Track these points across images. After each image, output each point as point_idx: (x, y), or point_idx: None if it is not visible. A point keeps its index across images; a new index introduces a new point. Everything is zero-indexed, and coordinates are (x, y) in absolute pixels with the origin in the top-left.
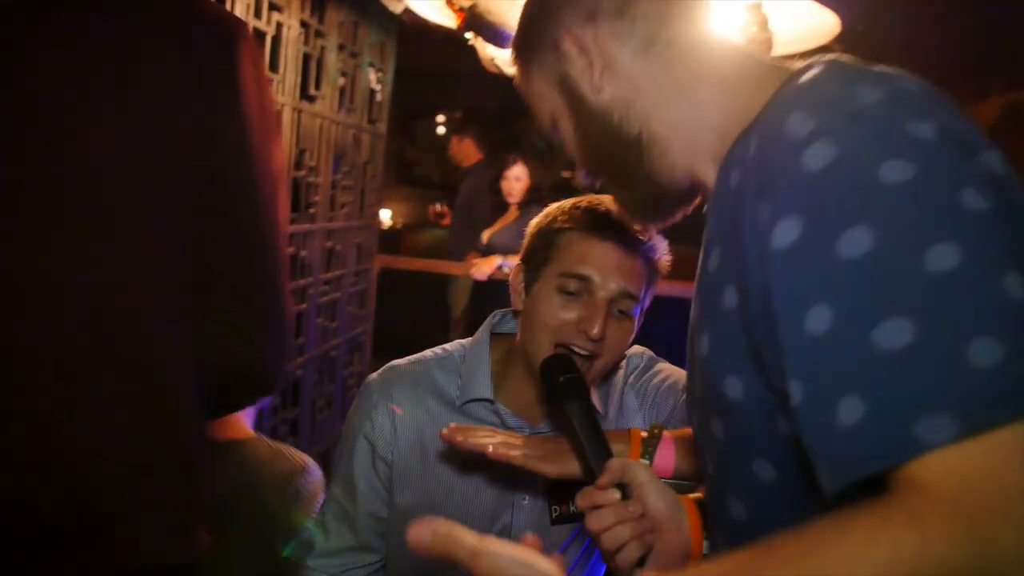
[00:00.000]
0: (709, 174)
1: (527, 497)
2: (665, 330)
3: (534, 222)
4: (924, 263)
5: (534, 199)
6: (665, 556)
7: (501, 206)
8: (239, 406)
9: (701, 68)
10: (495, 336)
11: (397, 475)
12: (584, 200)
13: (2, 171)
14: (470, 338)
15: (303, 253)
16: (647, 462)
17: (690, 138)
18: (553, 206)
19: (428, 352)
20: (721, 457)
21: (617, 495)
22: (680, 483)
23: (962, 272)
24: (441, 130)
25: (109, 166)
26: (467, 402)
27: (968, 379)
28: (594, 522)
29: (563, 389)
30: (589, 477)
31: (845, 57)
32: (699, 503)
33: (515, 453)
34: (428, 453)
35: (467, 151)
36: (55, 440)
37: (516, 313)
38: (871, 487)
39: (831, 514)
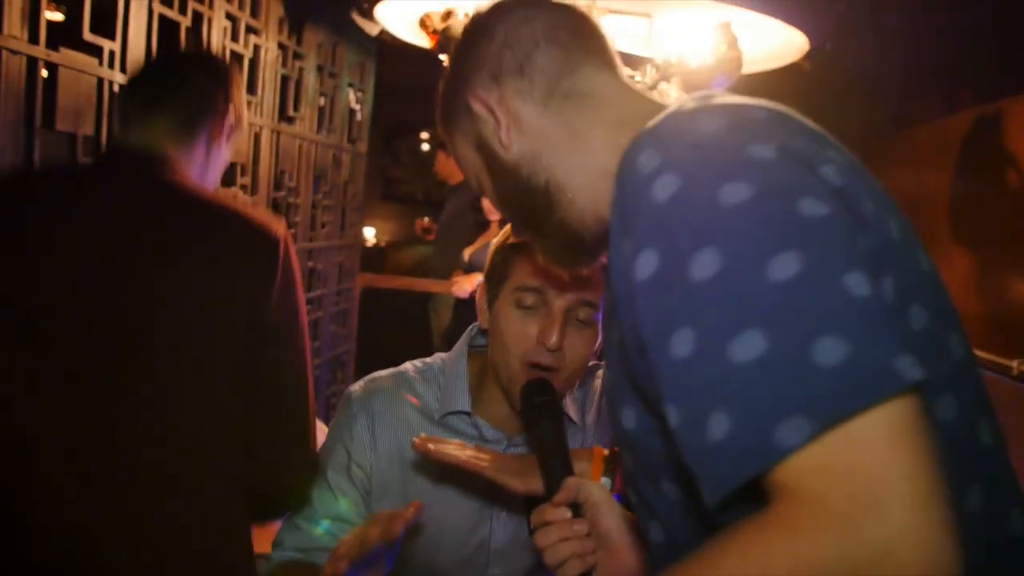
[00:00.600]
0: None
1: (505, 511)
2: None
3: (495, 240)
4: (768, 274)
5: None
6: (613, 574)
7: (484, 223)
8: (266, 520)
9: (596, 114)
10: (473, 350)
11: (376, 486)
12: None
13: (130, 344)
14: (446, 352)
15: None
16: (607, 480)
17: (592, 184)
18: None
19: (408, 365)
20: (634, 484)
21: (568, 514)
22: None
23: (804, 277)
24: (425, 147)
25: (197, 342)
26: (446, 415)
27: (816, 378)
28: (540, 538)
29: (535, 410)
30: (548, 494)
31: (718, 94)
32: None
33: (486, 465)
34: (407, 465)
35: (452, 168)
36: (155, 541)
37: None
38: (754, 500)
39: (716, 534)
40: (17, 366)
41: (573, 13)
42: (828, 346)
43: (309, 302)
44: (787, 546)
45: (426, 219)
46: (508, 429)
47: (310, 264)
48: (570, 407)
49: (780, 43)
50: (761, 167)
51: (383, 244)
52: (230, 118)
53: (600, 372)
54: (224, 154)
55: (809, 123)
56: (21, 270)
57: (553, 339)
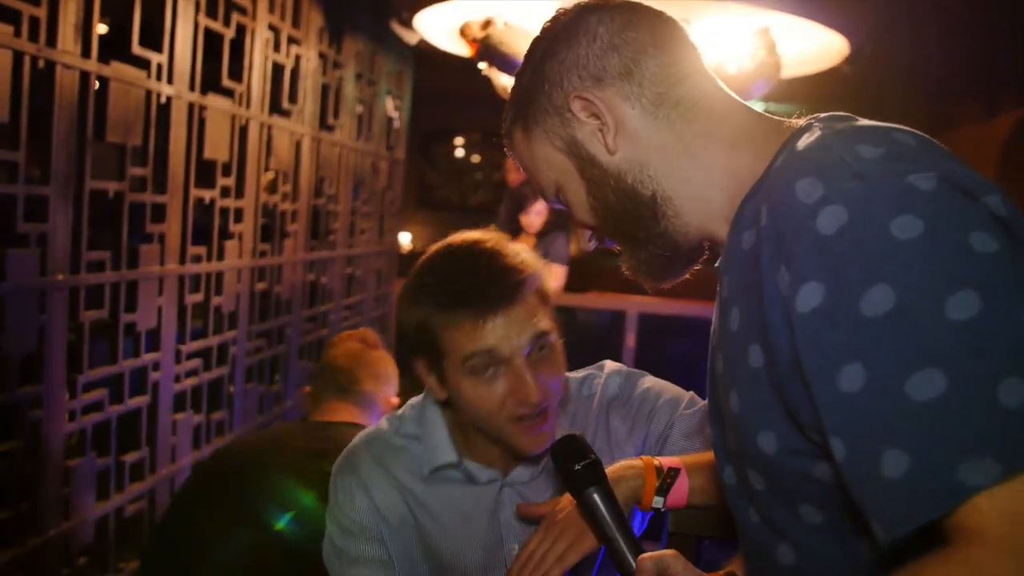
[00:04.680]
0: (721, 233)
1: (516, 546)
2: (682, 349)
3: (398, 319)
4: (946, 313)
5: (556, 225)
6: None
7: (516, 234)
8: None
9: (707, 127)
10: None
11: (392, 546)
12: (428, 276)
13: None
14: (418, 399)
15: (323, 280)
16: (660, 499)
17: (702, 198)
18: (399, 295)
19: (383, 423)
20: (766, 507)
21: None
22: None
23: (983, 317)
24: (460, 153)
25: None
26: (434, 470)
27: (1003, 420)
28: None
29: (581, 478)
30: (620, 570)
31: (839, 113)
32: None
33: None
34: (412, 517)
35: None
36: None
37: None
38: (927, 531)
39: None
40: None
41: (672, 20)
42: (1012, 388)
43: (348, 307)
44: None
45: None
46: (500, 467)
47: (349, 270)
48: (561, 428)
49: (819, 47)
50: (927, 199)
51: (419, 250)
52: None
53: (599, 385)
54: None
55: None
56: None
57: (533, 395)
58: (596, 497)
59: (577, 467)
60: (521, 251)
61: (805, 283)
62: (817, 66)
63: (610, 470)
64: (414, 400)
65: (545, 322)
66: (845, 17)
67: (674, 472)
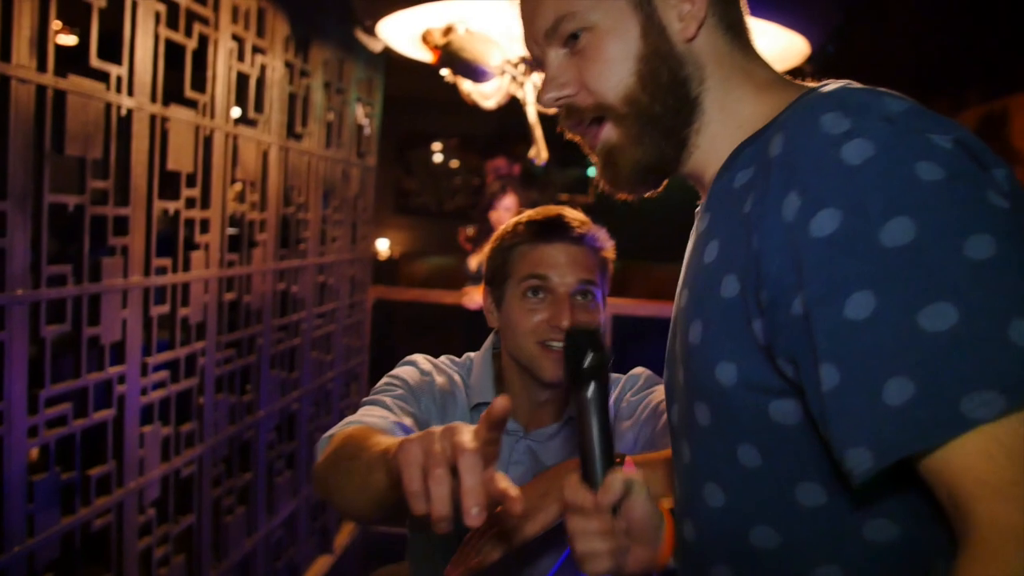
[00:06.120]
0: (708, 173)
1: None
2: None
3: (488, 247)
4: (964, 251)
5: None
6: (631, 565)
7: (489, 233)
8: None
9: (748, 67)
10: (496, 350)
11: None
12: (523, 217)
13: None
14: (477, 352)
15: (294, 289)
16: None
17: (722, 129)
18: (500, 229)
19: (444, 359)
20: (703, 444)
21: (609, 513)
22: None
23: (998, 260)
24: (438, 158)
25: None
26: (474, 407)
27: (1011, 356)
28: (575, 524)
29: (583, 374)
30: (586, 478)
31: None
32: (672, 512)
33: (496, 554)
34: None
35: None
36: None
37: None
38: (896, 476)
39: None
40: None
41: None
42: (1022, 327)
43: (321, 316)
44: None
45: (470, 229)
46: (524, 422)
47: (321, 278)
48: None
49: (781, 48)
50: (947, 154)
51: (397, 256)
52: None
53: (622, 379)
54: None
55: None
56: None
57: (565, 320)
58: (589, 396)
59: (585, 363)
60: (595, 226)
61: (822, 208)
62: (779, 67)
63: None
64: (471, 353)
65: (595, 277)
66: (807, 17)
67: (619, 463)
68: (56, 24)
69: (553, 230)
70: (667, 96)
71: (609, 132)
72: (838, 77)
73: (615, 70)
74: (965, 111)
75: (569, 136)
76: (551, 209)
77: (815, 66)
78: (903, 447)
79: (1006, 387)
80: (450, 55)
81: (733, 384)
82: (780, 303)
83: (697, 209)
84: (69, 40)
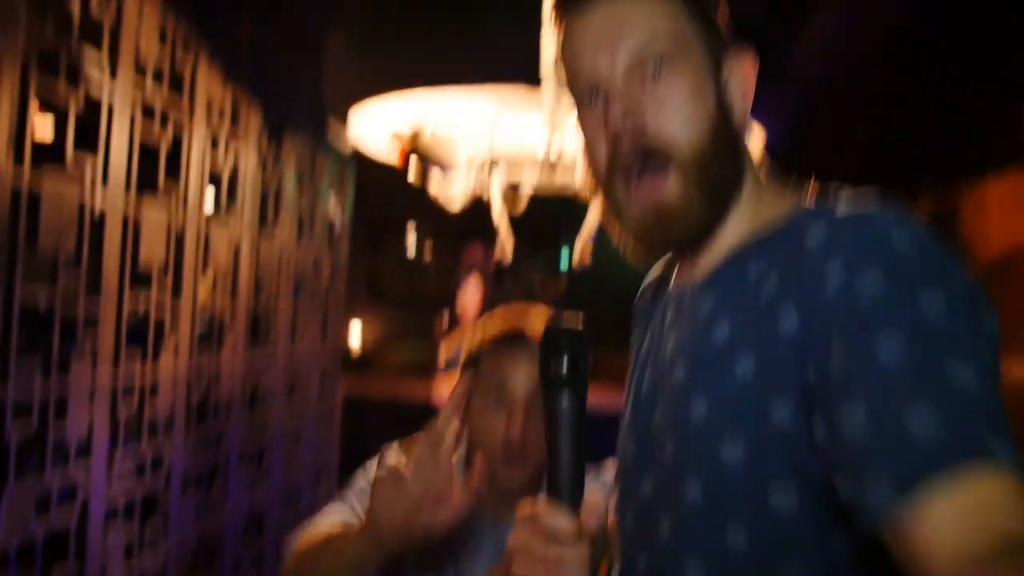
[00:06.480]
0: (714, 251)
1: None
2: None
3: (465, 345)
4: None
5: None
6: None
7: (455, 322)
8: None
9: (769, 169)
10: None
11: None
12: (490, 323)
13: None
14: None
15: (264, 381)
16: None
17: (742, 216)
18: (473, 331)
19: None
20: (688, 520)
21: (568, 543)
22: None
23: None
24: (411, 244)
25: None
26: None
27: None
28: (519, 538)
29: (556, 379)
30: (551, 492)
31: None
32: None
33: None
34: None
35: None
36: None
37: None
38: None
39: None
40: None
41: None
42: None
43: (290, 408)
44: None
45: (444, 318)
46: (492, 513)
47: (291, 370)
48: None
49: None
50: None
51: (369, 344)
52: None
53: None
54: None
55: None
56: None
57: (515, 433)
58: (563, 407)
59: (562, 373)
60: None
61: (865, 276)
62: None
63: None
64: None
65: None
66: (761, 110)
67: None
68: (37, 118)
69: (512, 341)
70: (726, 161)
71: (672, 186)
72: (793, 162)
73: (692, 113)
74: (917, 201)
75: (604, 187)
76: (516, 315)
77: (770, 156)
78: (923, 469)
79: (1004, 440)
80: (420, 157)
81: (739, 462)
82: (820, 360)
83: (671, 286)
84: (47, 123)
